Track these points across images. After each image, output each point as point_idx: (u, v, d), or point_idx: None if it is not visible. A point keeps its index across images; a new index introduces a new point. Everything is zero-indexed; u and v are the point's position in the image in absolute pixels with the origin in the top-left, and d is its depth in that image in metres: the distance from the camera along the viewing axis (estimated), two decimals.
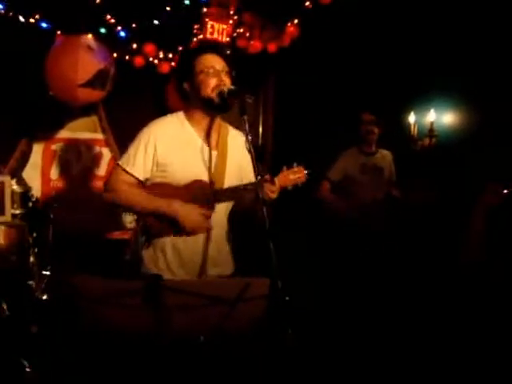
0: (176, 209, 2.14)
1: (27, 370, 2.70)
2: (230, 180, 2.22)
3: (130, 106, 4.27)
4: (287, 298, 1.73)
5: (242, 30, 4.31)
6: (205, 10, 4.19)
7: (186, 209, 2.15)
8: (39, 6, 3.77)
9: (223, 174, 2.22)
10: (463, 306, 3.07)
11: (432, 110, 4.22)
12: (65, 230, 3.49)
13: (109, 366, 2.43)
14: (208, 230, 2.20)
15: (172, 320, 1.71)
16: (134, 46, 4.09)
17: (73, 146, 4.28)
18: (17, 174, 3.87)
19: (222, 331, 1.80)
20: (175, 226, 2.16)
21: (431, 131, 4.21)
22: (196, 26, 4.23)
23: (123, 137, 4.21)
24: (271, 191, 2.14)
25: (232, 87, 2.15)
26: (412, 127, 4.27)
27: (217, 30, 4.22)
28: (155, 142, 2.18)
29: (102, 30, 3.90)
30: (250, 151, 1.94)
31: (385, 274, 3.79)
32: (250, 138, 1.95)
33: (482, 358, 2.79)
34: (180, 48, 4.19)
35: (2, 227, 3.22)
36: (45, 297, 3.21)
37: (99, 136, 4.37)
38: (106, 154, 4.38)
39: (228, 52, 2.33)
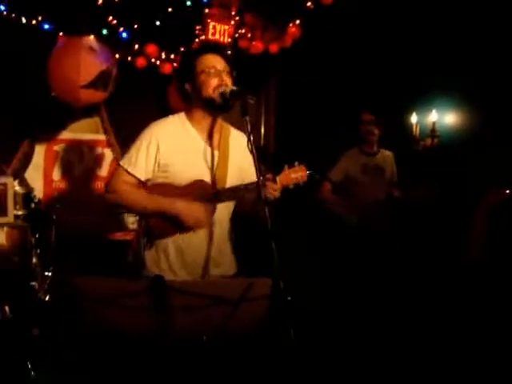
0: (178, 206, 2.14)
1: (31, 372, 2.71)
2: (231, 180, 2.22)
3: (132, 107, 4.28)
4: (289, 298, 1.73)
5: (243, 31, 4.31)
6: (206, 10, 4.20)
7: (187, 206, 2.15)
8: (41, 8, 3.78)
9: (225, 175, 2.22)
10: (465, 306, 3.07)
11: (434, 111, 4.21)
12: (67, 230, 3.49)
13: (111, 367, 2.43)
14: (210, 226, 2.19)
15: (175, 320, 1.71)
16: (136, 46, 4.09)
17: (75, 146, 4.29)
18: (19, 175, 3.87)
19: (225, 331, 1.80)
20: (177, 226, 2.16)
21: (433, 131, 4.20)
22: (198, 27, 4.23)
23: (125, 138, 4.23)
24: (273, 190, 2.13)
25: (234, 88, 2.15)
26: (414, 127, 4.27)
27: (218, 30, 4.22)
28: (157, 143, 2.19)
29: (104, 31, 3.91)
30: (251, 152, 1.94)
31: (385, 274, 3.79)
32: (251, 138, 1.95)
33: (482, 357, 2.78)
34: (182, 49, 4.19)
35: (5, 228, 3.23)
36: (47, 298, 3.22)
37: (101, 137, 4.37)
38: (108, 154, 4.38)
39: (229, 52, 2.33)
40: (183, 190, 2.19)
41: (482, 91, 4.35)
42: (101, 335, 1.98)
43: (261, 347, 2.22)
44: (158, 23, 4.04)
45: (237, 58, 2.37)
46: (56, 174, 4.23)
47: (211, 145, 2.24)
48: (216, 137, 2.26)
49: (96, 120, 4.35)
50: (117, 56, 3.99)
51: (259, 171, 1.93)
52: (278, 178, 2.16)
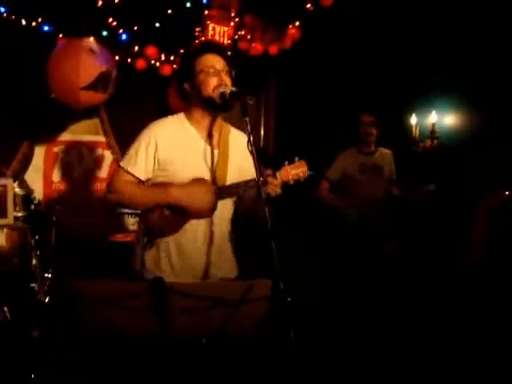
0: (176, 196, 2.14)
1: (31, 375, 2.70)
2: (231, 179, 2.22)
3: (132, 109, 4.28)
4: (289, 300, 1.73)
5: (243, 33, 4.31)
6: (206, 12, 4.20)
7: (186, 193, 2.14)
8: (41, 10, 3.78)
9: (225, 173, 2.22)
10: (464, 307, 3.07)
11: (434, 112, 4.21)
12: (67, 232, 3.48)
13: (111, 369, 2.43)
14: (210, 224, 2.19)
15: (174, 322, 1.71)
16: (136, 48, 4.10)
17: (75, 148, 4.29)
18: (19, 176, 3.87)
19: (225, 333, 1.80)
20: (180, 216, 2.15)
21: (433, 133, 4.20)
22: (197, 29, 4.24)
23: (125, 139, 4.20)
24: (274, 185, 2.13)
25: (234, 89, 2.15)
26: (414, 129, 4.27)
27: (218, 32, 4.23)
28: (156, 142, 2.19)
29: (104, 33, 3.91)
30: (251, 153, 1.94)
31: (385, 273, 3.79)
32: (251, 139, 1.95)
33: (482, 358, 2.78)
34: (182, 50, 4.19)
35: (5, 230, 3.22)
36: (47, 299, 3.21)
37: (101, 138, 4.37)
38: (108, 156, 4.38)
39: (228, 53, 2.33)
40: None
41: (481, 92, 4.35)
42: (101, 337, 1.97)
43: (261, 348, 2.22)
44: (157, 25, 4.04)
45: (236, 60, 2.37)
46: (56, 176, 4.23)
47: (211, 143, 2.24)
48: (216, 136, 2.26)
49: (96, 121, 4.35)
50: (116, 58, 3.99)
51: (259, 172, 1.93)
52: (278, 174, 2.16)
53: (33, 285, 3.19)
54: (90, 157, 4.34)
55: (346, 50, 4.58)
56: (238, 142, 2.28)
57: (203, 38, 4.19)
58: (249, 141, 1.94)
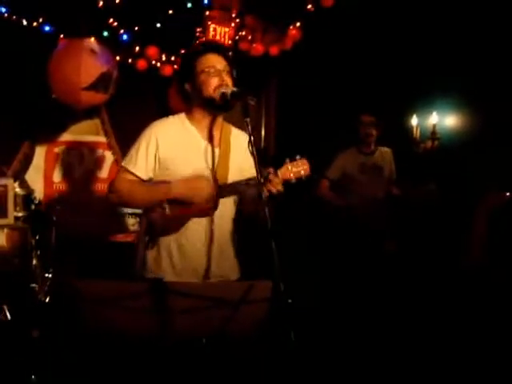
0: (177, 189, 2.14)
1: (32, 375, 2.70)
2: (232, 178, 2.22)
3: (133, 109, 4.28)
4: (290, 301, 1.73)
5: (244, 33, 4.31)
6: (207, 13, 4.20)
7: (186, 185, 2.14)
8: (42, 10, 3.78)
9: (226, 172, 2.22)
10: (464, 307, 3.07)
11: (434, 113, 4.22)
12: (67, 232, 3.49)
13: (111, 369, 2.43)
14: (211, 223, 2.18)
15: (175, 322, 1.71)
16: (137, 49, 4.10)
17: (75, 148, 4.29)
18: (19, 176, 3.87)
19: (225, 333, 1.80)
20: (180, 220, 2.15)
21: (433, 134, 4.21)
22: (198, 29, 4.23)
23: (126, 140, 4.20)
24: (275, 183, 2.13)
25: (235, 89, 2.15)
26: (414, 130, 4.27)
27: (219, 32, 4.23)
28: (156, 141, 2.20)
29: (105, 34, 3.91)
30: (252, 153, 1.94)
31: (385, 273, 3.79)
32: (252, 139, 1.95)
33: (482, 357, 2.78)
34: (182, 51, 4.19)
35: (5, 230, 3.22)
36: (47, 299, 3.21)
37: (102, 139, 4.37)
38: (109, 156, 4.39)
39: (229, 53, 2.33)
40: None
41: (482, 93, 4.36)
42: (101, 337, 1.97)
43: (261, 349, 2.22)
44: (158, 25, 4.04)
45: (237, 60, 2.37)
46: (56, 176, 4.23)
47: (212, 142, 2.24)
48: (216, 135, 2.26)
49: (96, 122, 4.35)
50: (117, 58, 3.99)
51: (259, 172, 1.93)
52: (279, 172, 2.15)
53: (33, 285, 3.19)
54: (91, 157, 4.34)
55: (347, 50, 4.58)
56: (239, 141, 2.28)
57: (204, 39, 4.19)
58: (249, 141, 1.94)
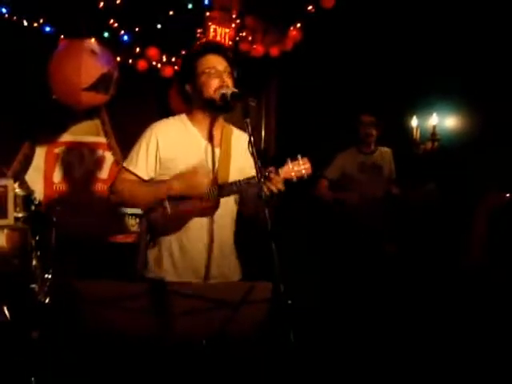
0: (177, 186, 2.13)
1: (31, 376, 2.70)
2: (233, 178, 2.21)
3: (133, 110, 4.28)
4: (289, 302, 1.73)
5: (244, 34, 4.32)
6: (207, 14, 4.20)
7: (184, 179, 2.13)
8: (43, 11, 3.79)
9: (227, 172, 2.22)
10: (464, 307, 3.07)
11: (434, 114, 4.21)
12: (67, 233, 3.49)
13: (111, 370, 2.43)
14: (211, 222, 2.18)
15: (174, 323, 1.71)
16: (137, 49, 4.10)
17: (75, 149, 4.29)
18: (19, 177, 3.88)
19: (225, 334, 1.80)
20: (181, 220, 2.15)
21: (433, 135, 4.20)
22: (199, 30, 4.24)
23: (126, 140, 4.21)
24: (277, 181, 2.12)
25: (235, 90, 2.15)
26: (414, 131, 4.27)
27: (219, 33, 4.23)
28: (157, 141, 2.20)
29: (106, 34, 3.92)
30: (252, 154, 1.94)
31: (385, 273, 3.79)
32: (252, 140, 1.95)
33: (482, 357, 2.78)
34: (183, 52, 4.19)
35: (5, 230, 3.22)
36: (47, 300, 3.21)
37: (102, 139, 4.38)
38: (109, 157, 4.39)
39: (230, 54, 2.33)
40: None
41: (482, 95, 4.36)
42: (101, 338, 1.97)
43: (260, 350, 2.22)
44: (159, 26, 4.04)
45: (237, 61, 2.37)
46: (56, 177, 4.23)
47: (212, 142, 2.24)
48: (217, 135, 2.26)
49: (97, 122, 4.35)
50: (118, 59, 3.99)
51: (259, 171, 1.93)
52: (280, 171, 2.15)
53: (33, 285, 3.19)
54: (91, 158, 4.34)
55: (347, 51, 4.58)
56: (240, 142, 2.28)
57: (204, 40, 4.19)
58: (249, 142, 1.94)
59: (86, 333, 2.05)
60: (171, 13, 4.04)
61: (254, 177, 2.06)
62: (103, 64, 3.76)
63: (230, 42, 4.27)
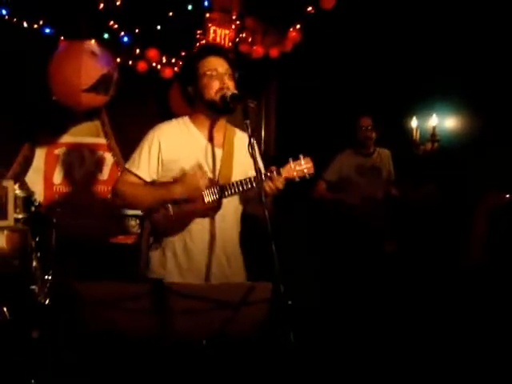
0: (177, 190, 2.14)
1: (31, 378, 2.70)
2: (236, 179, 2.21)
3: (133, 111, 4.29)
4: (289, 302, 1.73)
5: (244, 35, 4.32)
6: (207, 15, 4.21)
7: (184, 183, 2.14)
8: (43, 12, 3.79)
9: (230, 173, 2.23)
10: (464, 307, 3.07)
11: (434, 115, 4.22)
12: (68, 234, 3.49)
13: (112, 370, 2.43)
14: (213, 221, 2.18)
15: (175, 323, 1.71)
16: (137, 51, 4.11)
17: (76, 150, 4.30)
18: (20, 178, 3.88)
19: (225, 335, 1.80)
20: (184, 221, 2.16)
21: (433, 136, 4.20)
22: (199, 32, 4.24)
23: (126, 141, 4.24)
24: (279, 181, 2.12)
25: (235, 92, 2.16)
26: (414, 132, 4.27)
27: (219, 35, 4.23)
28: (159, 143, 2.21)
29: (105, 36, 3.92)
30: (252, 155, 1.94)
31: (385, 273, 3.79)
32: (252, 141, 1.96)
33: (482, 357, 2.78)
34: (183, 53, 4.20)
35: (5, 231, 3.22)
36: (47, 301, 3.21)
37: (102, 141, 4.38)
38: (109, 158, 4.39)
39: (232, 56, 2.34)
40: None
41: (482, 95, 4.36)
42: (101, 338, 1.97)
43: (261, 351, 2.22)
44: (158, 27, 4.05)
45: (237, 63, 2.37)
46: (57, 178, 4.24)
47: (214, 143, 2.24)
48: (219, 136, 2.27)
49: (97, 124, 4.36)
50: (118, 60, 4.00)
51: (259, 171, 1.93)
52: (281, 170, 2.15)
53: (33, 287, 3.19)
54: (91, 159, 4.34)
55: (347, 53, 4.59)
56: (242, 143, 2.27)
57: (204, 41, 4.20)
58: (249, 143, 1.94)
59: (86, 334, 2.05)
60: (171, 14, 4.05)
61: (254, 177, 2.07)
62: (103, 65, 3.77)
63: (230, 44, 4.28)
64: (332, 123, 4.68)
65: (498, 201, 2.84)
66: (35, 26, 3.79)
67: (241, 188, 2.16)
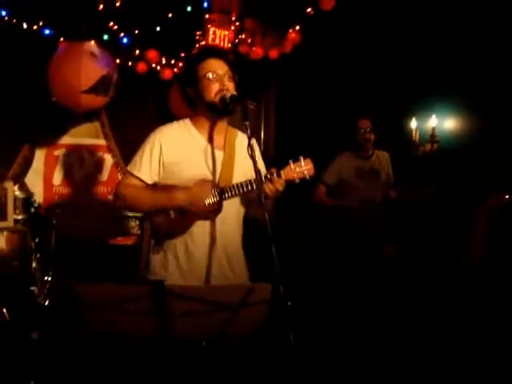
0: (180, 199, 2.14)
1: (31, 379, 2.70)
2: (237, 181, 2.21)
3: (133, 112, 4.29)
4: (289, 303, 1.73)
5: (243, 36, 4.33)
6: (207, 16, 4.21)
7: (189, 195, 2.14)
8: (42, 13, 3.80)
9: (231, 176, 2.22)
10: (464, 308, 3.07)
11: (433, 116, 4.22)
12: (67, 235, 3.49)
13: (111, 372, 2.43)
14: (219, 209, 2.18)
15: (175, 325, 1.71)
16: (137, 52, 4.11)
17: (75, 151, 4.30)
18: (19, 179, 3.88)
19: (225, 336, 1.80)
20: (185, 220, 2.16)
21: (433, 137, 4.20)
22: (198, 33, 4.25)
23: (125, 142, 4.25)
24: (279, 184, 2.12)
25: (234, 93, 2.16)
26: (413, 133, 4.27)
27: (218, 36, 4.24)
28: (159, 145, 2.21)
29: (105, 37, 3.93)
30: (251, 156, 1.95)
31: (385, 276, 3.79)
32: (251, 142, 1.96)
33: (483, 358, 2.78)
34: (182, 54, 4.20)
35: (5, 232, 3.23)
36: (47, 302, 3.21)
37: (101, 142, 4.38)
38: (109, 159, 4.39)
39: (231, 57, 2.34)
40: None
41: (481, 96, 4.36)
42: (101, 340, 1.97)
43: (261, 352, 2.22)
44: (158, 29, 4.05)
45: (237, 64, 2.38)
46: (56, 179, 4.24)
47: (215, 145, 2.24)
48: (221, 139, 2.27)
49: (96, 125, 4.36)
50: (117, 61, 4.00)
51: (259, 173, 1.93)
52: (282, 172, 2.14)
53: (33, 288, 3.19)
54: (91, 160, 4.34)
55: (346, 54, 4.59)
56: (244, 145, 2.26)
57: (204, 42, 4.20)
58: (249, 144, 1.95)
59: (85, 335, 2.05)
60: (170, 15, 4.05)
61: (254, 179, 2.06)
62: (103, 66, 3.77)
63: (229, 45, 4.28)
64: (331, 124, 4.68)
65: (497, 202, 2.84)
66: (35, 27, 3.79)
67: (241, 190, 2.16)
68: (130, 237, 3.92)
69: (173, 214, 2.17)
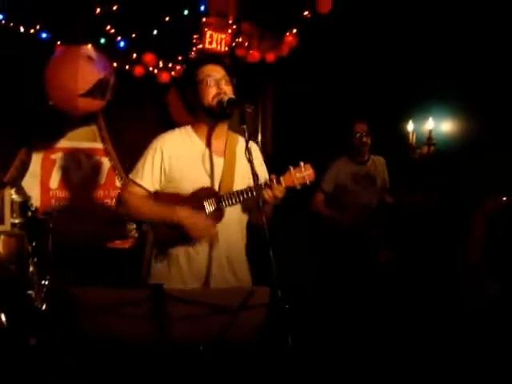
0: (181, 217, 2.14)
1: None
2: (237, 187, 2.21)
3: (130, 116, 4.29)
4: (287, 307, 1.73)
5: (240, 40, 4.33)
6: (204, 19, 4.22)
7: (191, 216, 2.14)
8: (39, 17, 3.79)
9: (231, 181, 2.22)
10: (463, 311, 3.07)
11: (430, 119, 4.23)
12: (65, 239, 3.48)
13: (109, 376, 2.42)
14: (215, 239, 2.18)
15: (173, 328, 1.71)
16: (134, 55, 4.11)
17: (72, 155, 4.29)
18: (16, 183, 3.87)
19: (224, 339, 1.80)
20: (183, 235, 2.16)
21: (429, 139, 4.21)
22: (195, 36, 4.25)
23: (123, 146, 4.24)
24: (279, 191, 2.11)
25: (231, 97, 2.16)
26: (410, 135, 4.28)
27: (215, 39, 4.24)
28: (161, 152, 2.21)
29: (102, 40, 3.92)
30: (249, 160, 1.95)
31: (382, 281, 3.79)
32: (249, 146, 1.96)
33: (482, 361, 2.78)
34: (179, 58, 4.21)
35: (2, 236, 3.22)
36: (44, 306, 3.20)
37: (99, 145, 4.37)
38: (106, 163, 4.38)
39: (229, 62, 2.35)
40: (190, 198, 2.19)
41: (478, 99, 4.37)
42: (99, 344, 1.97)
43: (259, 355, 2.22)
44: (155, 32, 4.05)
45: (234, 67, 2.38)
46: (53, 183, 4.23)
47: (216, 152, 2.24)
48: (221, 144, 2.27)
49: (93, 128, 4.35)
50: (114, 65, 4.00)
51: (257, 178, 1.93)
52: (282, 179, 2.14)
53: (30, 292, 3.19)
54: (88, 164, 4.33)
55: (343, 57, 4.60)
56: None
57: (201, 46, 4.21)
58: (246, 148, 1.95)
59: (83, 339, 2.04)
60: (167, 19, 4.06)
61: (253, 186, 2.06)
62: (100, 70, 3.76)
63: (226, 48, 4.29)
64: (328, 127, 4.68)
65: (495, 204, 2.85)
66: (32, 30, 3.78)
67: (241, 197, 2.15)
68: (128, 240, 3.91)
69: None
